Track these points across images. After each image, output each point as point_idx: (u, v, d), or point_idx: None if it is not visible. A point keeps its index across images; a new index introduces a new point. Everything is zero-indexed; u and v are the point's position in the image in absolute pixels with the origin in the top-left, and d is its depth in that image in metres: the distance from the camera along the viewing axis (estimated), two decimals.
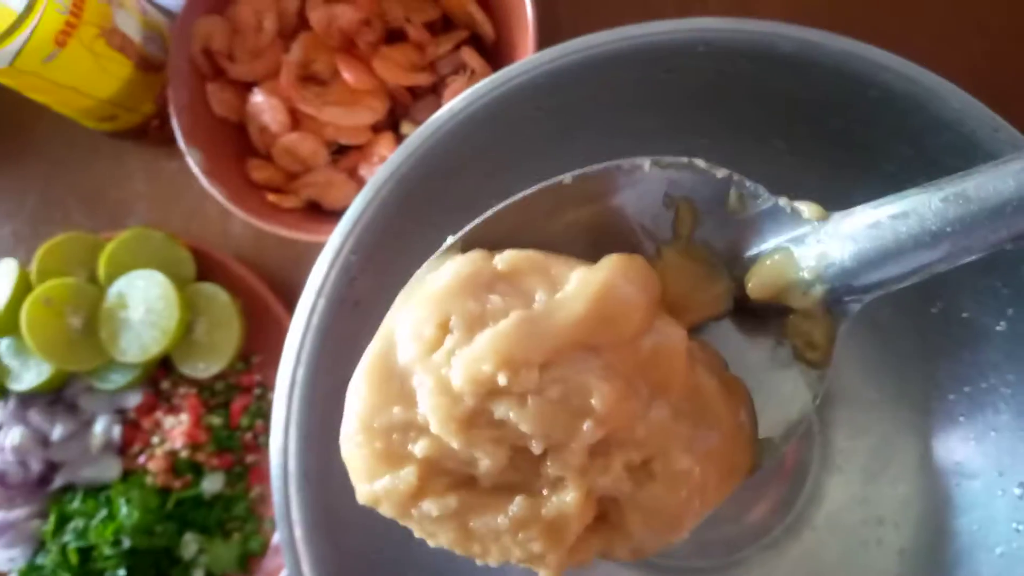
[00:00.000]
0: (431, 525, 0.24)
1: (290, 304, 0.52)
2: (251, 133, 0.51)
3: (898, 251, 0.22)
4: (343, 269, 0.38)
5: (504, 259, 0.24)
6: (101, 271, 0.52)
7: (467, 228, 0.26)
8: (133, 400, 0.53)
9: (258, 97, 0.49)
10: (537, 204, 0.26)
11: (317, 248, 0.37)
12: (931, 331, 0.39)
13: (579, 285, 0.23)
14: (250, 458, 0.52)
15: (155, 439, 0.52)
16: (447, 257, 0.25)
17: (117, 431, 0.52)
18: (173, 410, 0.52)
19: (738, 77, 0.35)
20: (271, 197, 0.49)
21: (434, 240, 0.38)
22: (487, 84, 0.37)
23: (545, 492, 0.23)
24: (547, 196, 0.26)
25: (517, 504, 0.23)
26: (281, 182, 0.50)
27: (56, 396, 0.54)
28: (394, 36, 0.50)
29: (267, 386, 0.53)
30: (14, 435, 0.52)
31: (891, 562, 0.40)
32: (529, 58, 0.37)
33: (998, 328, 0.36)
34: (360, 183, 0.49)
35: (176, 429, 0.51)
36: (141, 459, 0.52)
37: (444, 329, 0.23)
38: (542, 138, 0.39)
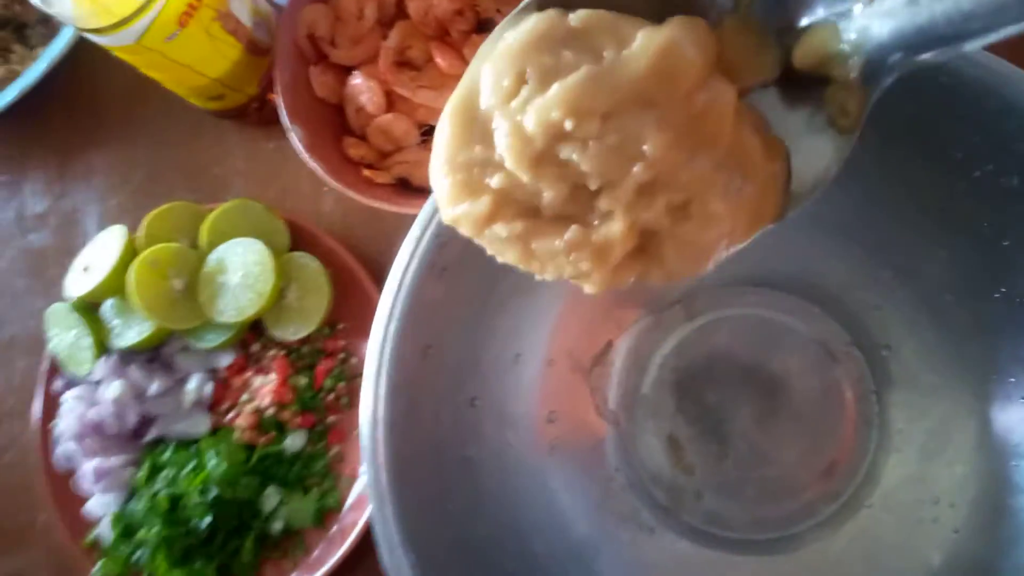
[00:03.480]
0: (500, 244, 0.28)
1: (376, 277, 0.55)
2: (348, 113, 0.54)
3: (931, 27, 0.23)
4: (434, 235, 0.40)
5: (577, 17, 0.26)
6: (203, 238, 0.56)
7: None
8: (225, 360, 0.56)
9: (357, 80, 0.53)
10: None
11: (403, 225, 0.40)
12: (992, 315, 0.40)
13: (643, 43, 0.26)
14: (331, 418, 0.55)
15: (244, 397, 0.55)
16: (525, 14, 0.27)
17: (209, 388, 0.56)
18: (261, 371, 0.56)
19: None
20: (366, 172, 0.52)
21: None
22: None
23: (596, 223, 0.27)
24: None
25: (572, 231, 0.27)
26: (374, 159, 0.53)
27: (154, 354, 0.58)
28: (485, 26, 0.53)
29: (351, 352, 0.56)
30: (114, 388, 0.56)
31: (947, 540, 0.41)
32: None
33: None
34: None
35: (264, 388, 0.54)
36: (229, 416, 0.55)
37: (521, 80, 0.26)
38: None
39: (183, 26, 0.50)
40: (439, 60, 0.51)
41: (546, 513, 0.46)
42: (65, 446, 0.57)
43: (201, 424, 0.56)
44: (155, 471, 0.55)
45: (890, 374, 0.46)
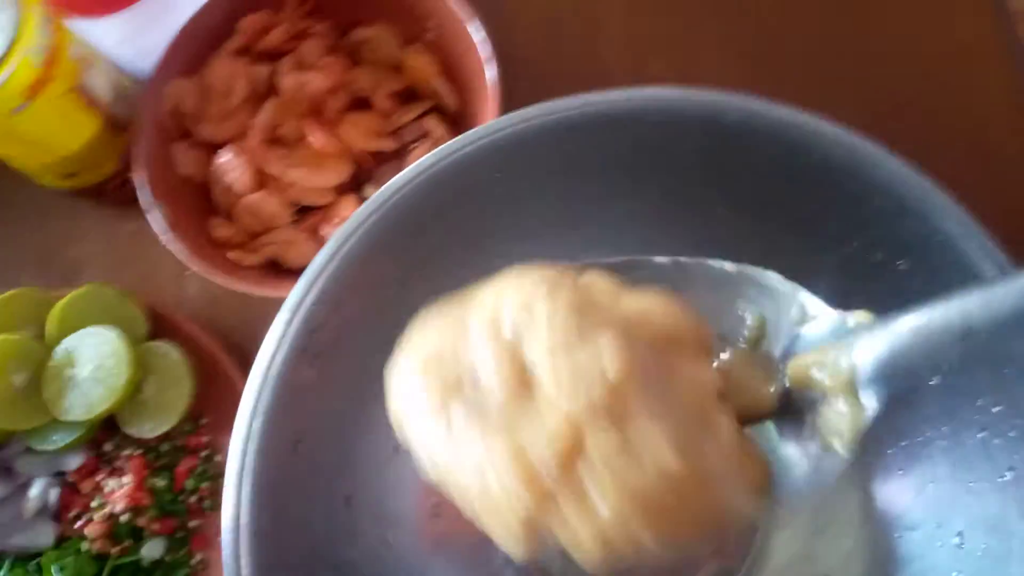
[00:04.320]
0: None
1: (244, 366, 0.51)
2: (214, 193, 0.51)
3: (929, 355, 0.26)
4: (305, 319, 0.38)
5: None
6: (50, 328, 0.51)
7: None
8: (74, 462, 0.51)
9: (224, 157, 0.50)
10: None
11: (274, 308, 0.38)
12: None
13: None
14: (193, 522, 0.51)
15: (95, 503, 0.50)
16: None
17: (54, 495, 0.50)
18: (115, 472, 0.51)
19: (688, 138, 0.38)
20: (231, 254, 0.49)
21: (397, 295, 0.39)
22: (450, 146, 0.39)
23: None
24: None
25: None
26: (242, 240, 0.50)
27: None
28: (361, 104, 0.52)
29: (215, 448, 0.52)
30: None
31: None
32: (490, 123, 0.39)
33: (932, 383, 0.37)
34: (321, 243, 0.49)
35: (117, 492, 0.50)
36: (78, 524, 0.50)
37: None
38: (503, 199, 0.41)
39: (31, 99, 0.47)
40: (312, 137, 0.49)
41: None
42: None
43: (45, 535, 0.50)
44: None
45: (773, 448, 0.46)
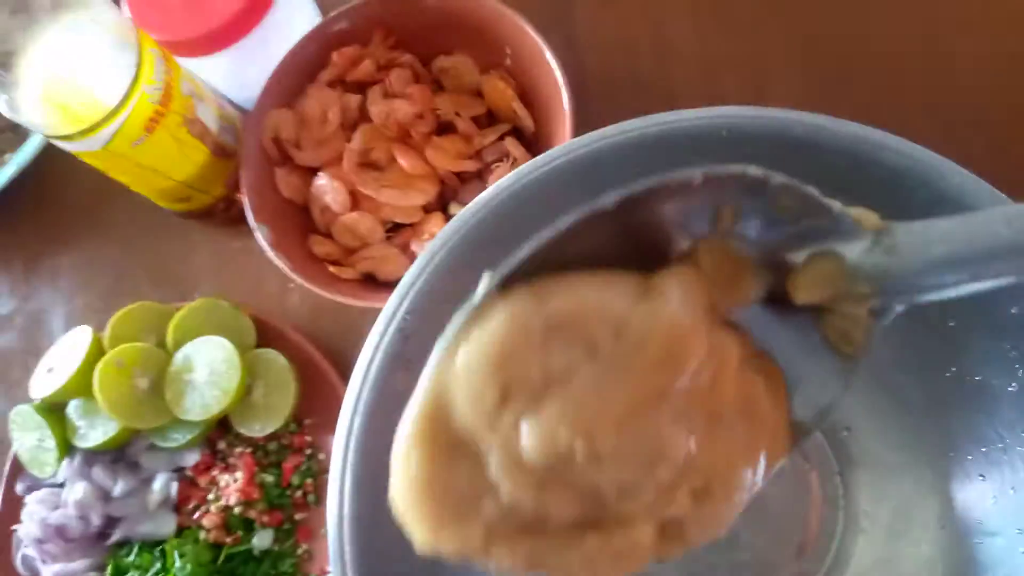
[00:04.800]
0: (498, 566, 0.23)
1: (342, 371, 0.56)
2: (313, 213, 0.56)
3: (957, 268, 0.22)
4: (398, 327, 0.41)
5: (558, 305, 0.23)
6: (169, 337, 0.56)
7: (505, 269, 0.24)
8: (191, 459, 0.56)
9: (321, 180, 0.54)
10: (576, 231, 0.25)
11: (370, 318, 0.41)
12: (946, 395, 0.41)
13: (644, 327, 0.22)
14: (299, 516, 0.55)
15: (210, 496, 0.55)
16: (491, 305, 0.24)
17: (175, 488, 0.55)
18: (228, 469, 0.55)
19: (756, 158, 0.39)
20: (331, 268, 0.53)
21: None
22: (529, 166, 0.41)
23: (614, 527, 0.23)
24: (587, 222, 0.24)
25: (589, 542, 0.23)
26: (340, 256, 0.55)
27: (119, 454, 0.57)
28: (445, 128, 0.56)
29: (318, 447, 0.56)
30: (77, 490, 0.55)
31: None
32: (566, 143, 0.41)
33: (1010, 389, 0.38)
34: (412, 257, 0.53)
35: (230, 487, 0.54)
36: (196, 515, 0.55)
37: (505, 394, 0.22)
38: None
39: (150, 132, 0.52)
40: (401, 161, 0.53)
41: None
42: (26, 551, 0.56)
43: (167, 525, 0.55)
44: (120, 574, 0.54)
45: (852, 454, 0.47)
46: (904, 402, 0.45)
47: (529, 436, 0.22)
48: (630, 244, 0.25)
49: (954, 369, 0.41)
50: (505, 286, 0.24)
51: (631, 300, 0.23)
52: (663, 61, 0.59)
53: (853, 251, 0.23)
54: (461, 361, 0.23)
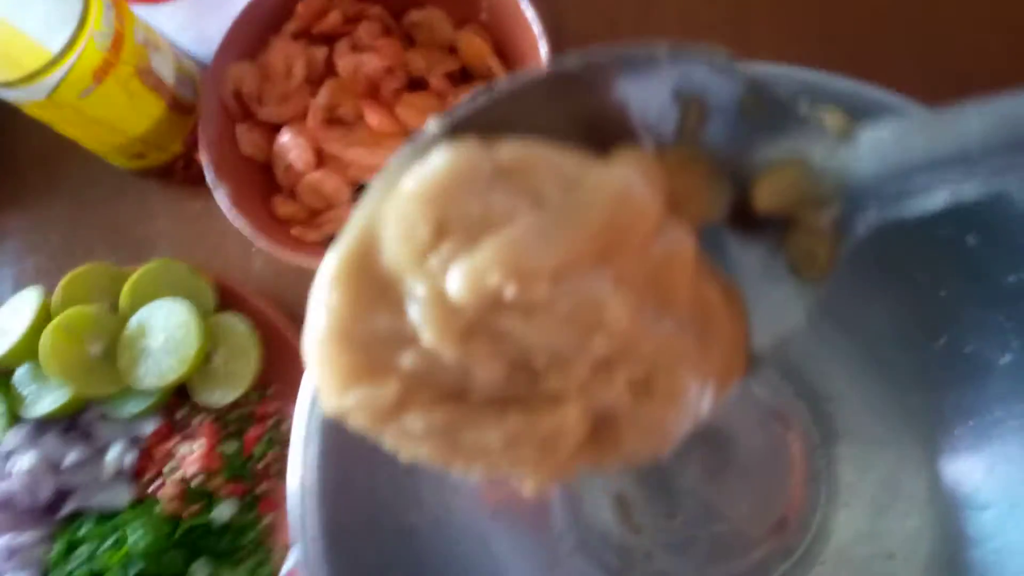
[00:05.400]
0: (409, 440, 0.21)
1: None
2: (276, 171, 0.53)
3: (928, 169, 0.20)
4: None
5: (509, 153, 0.21)
6: (123, 300, 0.54)
7: (458, 112, 0.22)
8: (148, 427, 0.53)
9: (285, 137, 0.52)
10: (535, 91, 0.22)
11: None
12: (935, 366, 0.40)
13: (595, 184, 0.21)
14: (261, 487, 0.53)
15: (168, 466, 0.52)
16: (433, 144, 0.21)
17: (130, 458, 0.53)
18: (188, 438, 0.53)
19: None
20: (295, 231, 0.51)
21: None
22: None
23: (541, 406, 0.21)
24: (547, 82, 0.22)
25: (512, 421, 0.21)
26: (304, 217, 0.52)
27: (72, 423, 0.55)
28: (416, 84, 0.53)
29: (282, 416, 0.54)
30: (26, 459, 0.53)
31: None
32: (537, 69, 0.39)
33: (1002, 361, 0.37)
34: None
35: (190, 457, 0.52)
36: (153, 486, 0.52)
37: (441, 230, 0.20)
38: None
39: (99, 82, 0.49)
40: (370, 118, 0.50)
41: None
42: None
43: (122, 495, 0.53)
44: (71, 547, 0.52)
45: (835, 427, 0.46)
46: (891, 373, 0.44)
47: (458, 274, 0.20)
48: (593, 134, 0.23)
49: (944, 340, 0.40)
50: (454, 136, 0.22)
51: (584, 160, 0.22)
52: (645, 18, 0.57)
53: (818, 154, 0.22)
54: (397, 194, 0.21)
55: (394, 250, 0.21)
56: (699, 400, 0.23)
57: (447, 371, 0.21)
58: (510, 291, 0.19)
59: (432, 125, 0.22)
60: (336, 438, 0.38)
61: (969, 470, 0.40)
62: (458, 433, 0.21)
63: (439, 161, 0.21)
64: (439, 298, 0.20)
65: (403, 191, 0.21)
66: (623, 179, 0.21)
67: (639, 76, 0.22)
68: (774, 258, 0.24)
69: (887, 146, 0.21)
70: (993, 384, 0.37)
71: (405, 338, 0.21)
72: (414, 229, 0.20)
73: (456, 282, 0.20)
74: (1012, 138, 0.19)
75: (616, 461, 0.23)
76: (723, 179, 0.23)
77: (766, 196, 0.23)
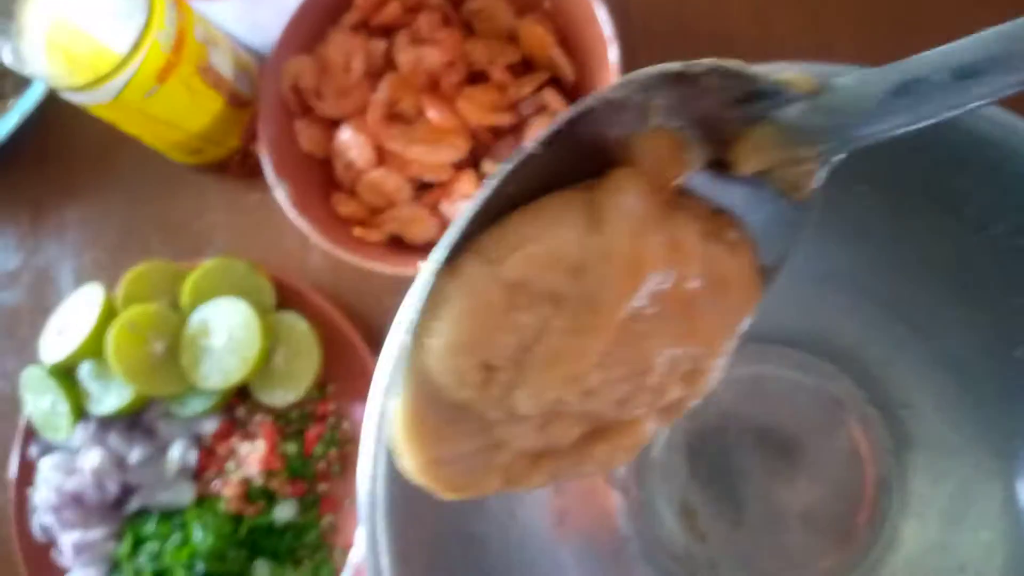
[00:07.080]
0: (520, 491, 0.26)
1: (367, 335, 0.53)
2: (336, 168, 0.52)
3: (893, 113, 0.22)
4: None
5: (512, 269, 0.22)
6: (184, 298, 0.54)
7: (444, 250, 0.22)
8: (209, 426, 0.54)
9: (345, 134, 0.51)
10: (511, 179, 0.23)
11: (395, 281, 0.38)
12: (1013, 375, 0.39)
13: (600, 261, 0.22)
14: (322, 486, 0.53)
15: (230, 465, 0.53)
16: (444, 288, 0.22)
17: (193, 456, 0.53)
18: (248, 437, 0.53)
19: None
20: (357, 231, 0.50)
21: None
22: None
23: (621, 430, 0.25)
24: (519, 167, 0.22)
25: (598, 450, 0.25)
26: (365, 216, 0.51)
27: (135, 420, 0.55)
28: (477, 78, 0.52)
29: (342, 415, 0.54)
30: (93, 457, 0.53)
31: None
32: None
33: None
34: (442, 219, 0.50)
35: (251, 456, 0.52)
36: (215, 485, 0.53)
37: (489, 367, 0.22)
38: None
39: (162, 82, 0.48)
40: (431, 113, 0.49)
41: None
42: (43, 518, 0.54)
43: (185, 494, 0.53)
44: (138, 544, 0.53)
45: (908, 434, 0.45)
46: (967, 382, 0.42)
47: (523, 400, 0.23)
48: (567, 164, 0.23)
49: (1022, 350, 0.38)
50: (451, 258, 0.23)
51: (580, 234, 0.22)
52: (714, 5, 0.55)
53: (790, 114, 0.23)
54: (434, 354, 0.22)
55: (454, 393, 0.23)
56: (733, 341, 0.26)
57: (534, 448, 0.25)
58: (571, 394, 0.23)
59: (426, 268, 0.22)
60: None
61: None
62: (559, 473, 0.25)
63: (456, 313, 0.22)
64: (512, 416, 0.23)
65: (435, 348, 0.22)
66: (622, 244, 0.22)
67: (602, 118, 0.23)
68: (761, 186, 0.25)
69: (854, 100, 0.22)
70: None
71: (492, 444, 0.24)
72: (463, 378, 0.22)
73: (524, 407, 0.23)
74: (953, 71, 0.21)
75: (679, 416, 0.27)
76: (698, 144, 0.24)
77: (745, 161, 0.24)
